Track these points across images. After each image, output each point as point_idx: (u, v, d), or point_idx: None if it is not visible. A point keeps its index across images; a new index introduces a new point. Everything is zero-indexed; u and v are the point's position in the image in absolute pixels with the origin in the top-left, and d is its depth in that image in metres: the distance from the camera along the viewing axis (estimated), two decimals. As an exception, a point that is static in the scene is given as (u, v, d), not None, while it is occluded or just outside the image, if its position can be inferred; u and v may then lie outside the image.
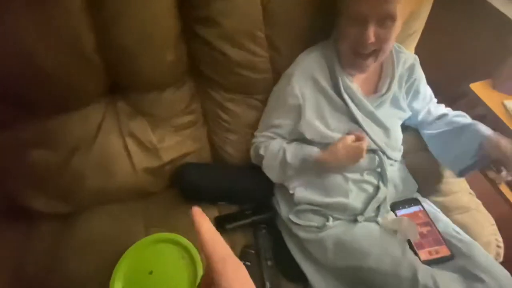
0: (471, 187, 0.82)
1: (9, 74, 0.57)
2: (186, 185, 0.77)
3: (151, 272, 0.67)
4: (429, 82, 0.78)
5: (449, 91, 0.87)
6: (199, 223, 0.25)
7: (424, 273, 0.57)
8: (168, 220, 0.74)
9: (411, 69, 0.73)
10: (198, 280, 0.63)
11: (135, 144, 0.74)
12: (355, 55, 0.64)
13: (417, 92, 0.75)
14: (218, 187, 0.78)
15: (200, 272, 0.66)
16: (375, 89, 0.72)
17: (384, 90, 0.71)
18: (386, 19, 0.58)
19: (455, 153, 0.69)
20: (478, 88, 0.90)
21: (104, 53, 0.61)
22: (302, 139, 0.71)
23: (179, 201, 0.79)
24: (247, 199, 0.80)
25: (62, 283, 0.64)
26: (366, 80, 0.71)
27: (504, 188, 0.79)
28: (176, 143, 0.78)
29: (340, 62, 0.68)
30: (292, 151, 0.70)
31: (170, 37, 0.65)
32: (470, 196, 0.79)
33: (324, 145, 0.68)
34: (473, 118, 0.73)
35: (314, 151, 0.68)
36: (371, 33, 0.58)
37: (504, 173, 0.66)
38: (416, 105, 0.77)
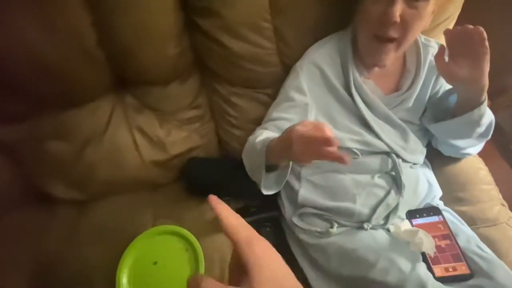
0: (504, 197, 0.72)
1: (17, 71, 0.59)
2: (191, 180, 0.77)
3: (155, 263, 0.69)
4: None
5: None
6: (219, 210, 0.26)
7: None
8: (174, 213, 0.76)
9: None
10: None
11: (143, 138, 0.75)
12: (375, 40, 0.57)
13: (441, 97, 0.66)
14: (223, 182, 0.78)
15: (202, 266, 0.66)
16: (395, 86, 0.65)
17: (405, 89, 0.63)
18: None
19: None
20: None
21: (106, 47, 0.61)
22: None
23: (186, 194, 0.80)
24: (252, 196, 0.78)
25: (75, 268, 0.68)
26: (386, 76, 0.64)
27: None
28: (182, 138, 0.78)
29: (356, 56, 0.62)
30: (264, 136, 0.59)
31: (172, 30, 0.63)
32: (502, 208, 0.70)
33: None
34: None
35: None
36: (397, 10, 0.51)
37: None
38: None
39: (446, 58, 0.55)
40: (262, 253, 0.24)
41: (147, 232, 0.71)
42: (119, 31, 0.59)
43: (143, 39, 0.61)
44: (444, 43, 0.60)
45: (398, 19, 0.51)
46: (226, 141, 0.82)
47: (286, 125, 0.63)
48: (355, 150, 0.63)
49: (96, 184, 0.77)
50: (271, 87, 0.74)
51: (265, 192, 0.58)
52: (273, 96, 0.74)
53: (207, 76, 0.75)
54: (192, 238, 0.69)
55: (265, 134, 0.62)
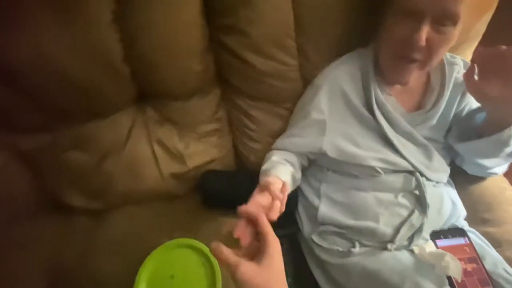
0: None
1: (43, 83, 0.60)
2: (208, 193, 0.77)
3: (172, 277, 0.68)
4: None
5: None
6: (256, 217, 0.40)
7: None
8: (191, 225, 0.76)
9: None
10: (217, 289, 0.64)
11: (162, 150, 0.75)
12: (398, 59, 0.56)
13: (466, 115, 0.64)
14: (239, 195, 0.77)
15: (219, 281, 0.66)
16: (418, 104, 0.64)
17: (428, 107, 0.62)
18: (445, 18, 0.49)
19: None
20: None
21: (132, 63, 0.62)
22: (320, 158, 0.66)
23: (203, 207, 0.80)
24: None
25: (92, 279, 0.68)
26: (408, 94, 0.63)
27: None
28: (201, 150, 0.78)
29: (377, 73, 0.61)
30: (268, 165, 0.62)
31: (197, 48, 0.64)
32: (529, 230, 0.68)
33: (352, 165, 0.62)
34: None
35: (269, 180, 0.56)
36: (424, 33, 0.50)
37: None
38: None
39: (476, 77, 0.54)
40: (277, 246, 0.38)
41: (165, 245, 0.71)
42: (145, 47, 0.60)
43: (169, 55, 0.62)
44: (469, 60, 0.59)
45: (424, 43, 0.51)
46: (244, 154, 0.82)
47: (300, 142, 0.66)
48: (378, 168, 0.62)
49: (114, 195, 0.77)
50: (290, 101, 0.74)
51: None
52: (292, 110, 0.74)
53: (227, 90, 0.76)
54: (209, 253, 0.69)
55: (273, 159, 0.64)
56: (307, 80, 0.70)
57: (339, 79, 0.63)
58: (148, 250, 0.70)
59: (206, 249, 0.70)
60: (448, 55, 0.63)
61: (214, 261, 0.68)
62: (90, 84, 0.61)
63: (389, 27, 0.55)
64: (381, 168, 0.62)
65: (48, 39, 0.57)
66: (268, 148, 0.77)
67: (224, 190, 0.78)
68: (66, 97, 0.63)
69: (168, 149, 0.75)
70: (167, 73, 0.64)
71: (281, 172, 0.60)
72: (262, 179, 0.58)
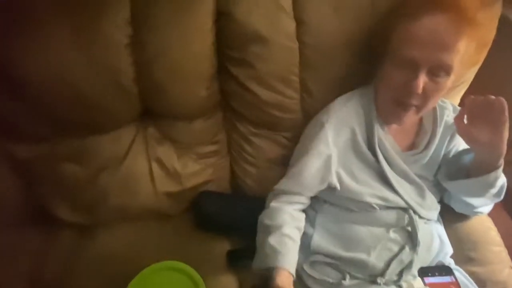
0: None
1: (50, 97, 0.61)
2: (201, 215, 0.77)
3: (158, 299, 0.66)
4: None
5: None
6: None
7: None
8: (182, 247, 0.74)
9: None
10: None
11: (160, 169, 0.75)
12: (396, 104, 0.59)
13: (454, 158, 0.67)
14: (233, 219, 0.77)
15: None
16: (411, 144, 0.67)
17: (421, 148, 0.65)
18: (440, 69, 0.53)
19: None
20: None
21: (141, 85, 0.64)
22: (328, 194, 0.67)
23: (195, 227, 0.79)
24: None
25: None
26: (402, 133, 0.67)
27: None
28: (198, 170, 0.79)
29: (377, 112, 0.64)
30: (276, 240, 0.59)
31: (205, 75, 0.67)
32: (511, 271, 0.70)
33: (350, 200, 0.64)
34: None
35: (283, 266, 0.56)
36: (421, 82, 0.53)
37: None
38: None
39: (465, 121, 0.57)
40: None
41: (152, 267, 0.69)
42: (157, 71, 0.62)
43: (178, 79, 0.64)
44: (458, 104, 0.63)
45: (421, 91, 0.54)
46: (240, 177, 0.82)
47: (307, 180, 0.63)
48: (373, 204, 0.63)
49: (105, 210, 0.76)
50: (289, 130, 0.77)
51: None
52: (290, 139, 0.77)
53: (229, 114, 0.78)
54: (197, 277, 0.68)
55: (284, 233, 0.60)
56: (307, 112, 0.73)
57: (348, 115, 0.65)
58: (135, 272, 0.68)
59: (194, 273, 0.68)
60: (440, 100, 0.67)
61: (202, 285, 0.66)
62: (96, 100, 0.63)
63: (387, 74, 0.59)
64: (377, 204, 0.64)
65: (61, 52, 0.58)
66: (265, 173, 0.80)
67: (219, 213, 0.77)
68: (70, 111, 0.64)
69: (166, 168, 0.76)
70: (174, 96, 0.66)
71: (291, 260, 0.58)
72: (272, 273, 0.55)
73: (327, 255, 0.65)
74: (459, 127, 0.58)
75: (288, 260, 0.58)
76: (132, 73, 0.62)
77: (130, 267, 0.68)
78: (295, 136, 0.75)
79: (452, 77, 0.55)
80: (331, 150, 0.64)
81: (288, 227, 0.61)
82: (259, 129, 0.77)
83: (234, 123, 0.78)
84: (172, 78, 0.64)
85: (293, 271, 0.58)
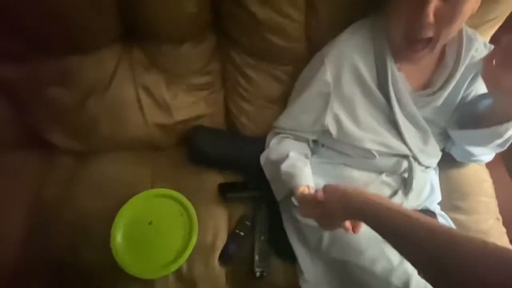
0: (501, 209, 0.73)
1: (19, 7, 0.54)
2: (195, 149, 0.76)
3: (150, 223, 0.70)
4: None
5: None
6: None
7: (417, 284, 0.53)
8: (174, 177, 0.76)
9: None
10: (193, 239, 0.67)
11: (148, 97, 0.72)
12: (406, 44, 0.52)
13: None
14: (227, 155, 0.77)
15: (195, 231, 0.68)
16: (427, 83, 0.59)
17: (437, 86, 0.58)
18: None
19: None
20: None
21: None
22: (325, 138, 0.64)
23: (187, 161, 0.79)
24: (253, 172, 0.77)
25: (72, 216, 0.69)
26: (418, 70, 0.59)
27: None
28: (189, 104, 0.75)
29: (391, 46, 0.56)
30: (287, 165, 0.61)
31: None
32: (496, 221, 0.71)
33: (348, 145, 0.61)
34: None
35: (301, 184, 0.58)
36: (431, 9, 0.45)
37: None
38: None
39: (494, 62, 0.50)
40: None
41: (145, 193, 0.72)
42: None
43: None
44: (488, 42, 0.55)
45: (432, 19, 0.46)
46: (234, 114, 0.79)
47: (304, 120, 0.63)
48: (373, 151, 0.61)
49: (97, 138, 0.75)
50: (291, 64, 0.69)
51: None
52: (292, 75, 0.70)
53: (223, 41, 0.70)
54: (188, 204, 0.71)
55: (292, 157, 0.63)
56: (312, 43, 0.64)
57: (350, 49, 0.58)
58: (129, 196, 0.71)
59: (185, 200, 0.71)
60: (469, 30, 0.58)
61: (193, 212, 0.70)
62: (70, 11, 0.56)
63: (396, 5, 0.51)
64: (377, 151, 0.61)
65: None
66: (261, 111, 0.76)
67: (211, 148, 0.77)
68: (45, 24, 0.57)
69: (154, 97, 0.72)
70: (155, 10, 0.58)
71: (307, 176, 0.60)
72: (294, 188, 0.59)
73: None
74: (486, 67, 0.51)
75: (303, 178, 0.60)
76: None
77: (125, 191, 0.71)
78: (296, 72, 0.68)
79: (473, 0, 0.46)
80: (330, 87, 0.59)
81: (294, 153, 0.64)
82: (257, 61, 0.70)
83: (229, 51, 0.70)
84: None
85: (311, 183, 0.60)
